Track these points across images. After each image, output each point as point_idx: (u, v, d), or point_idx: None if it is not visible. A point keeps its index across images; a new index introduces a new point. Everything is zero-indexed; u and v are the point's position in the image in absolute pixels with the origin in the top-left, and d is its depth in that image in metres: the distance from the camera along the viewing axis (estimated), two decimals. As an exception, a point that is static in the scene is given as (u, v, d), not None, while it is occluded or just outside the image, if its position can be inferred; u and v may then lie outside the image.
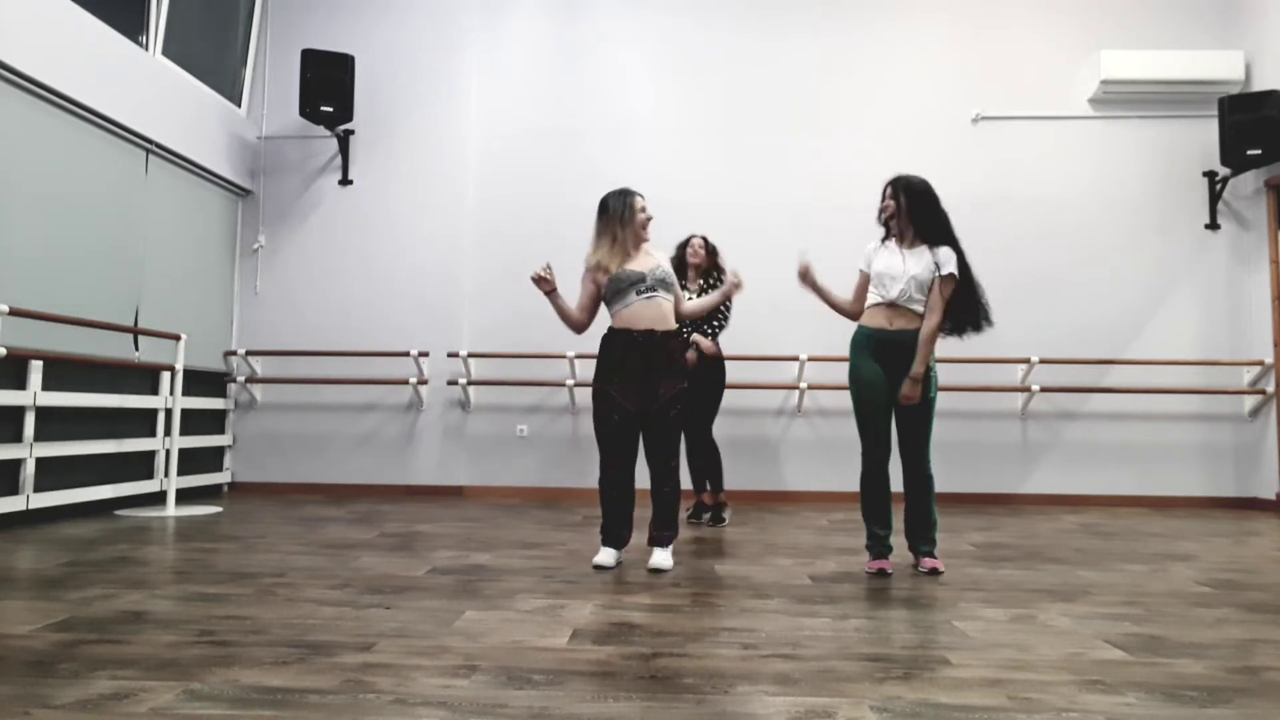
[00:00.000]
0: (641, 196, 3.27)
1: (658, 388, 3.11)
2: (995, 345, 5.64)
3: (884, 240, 3.24)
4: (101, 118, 4.68)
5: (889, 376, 3.09)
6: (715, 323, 4.38)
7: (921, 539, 3.14)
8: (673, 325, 3.20)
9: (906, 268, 3.08)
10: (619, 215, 3.19)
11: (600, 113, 6.10)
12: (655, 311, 3.14)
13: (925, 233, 3.13)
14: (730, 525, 4.41)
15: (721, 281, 4.36)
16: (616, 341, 3.15)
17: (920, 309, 3.10)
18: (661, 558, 3.11)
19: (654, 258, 3.23)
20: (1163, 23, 5.98)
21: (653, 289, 3.14)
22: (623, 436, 3.12)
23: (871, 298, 3.17)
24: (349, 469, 5.92)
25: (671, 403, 3.14)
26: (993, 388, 5.68)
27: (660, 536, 3.17)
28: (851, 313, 3.28)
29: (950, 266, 3.07)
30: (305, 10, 6.24)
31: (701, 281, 4.46)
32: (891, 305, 3.10)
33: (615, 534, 3.18)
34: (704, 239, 4.53)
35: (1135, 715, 1.63)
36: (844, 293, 3.30)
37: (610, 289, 3.16)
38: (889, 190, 3.20)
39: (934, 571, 3.06)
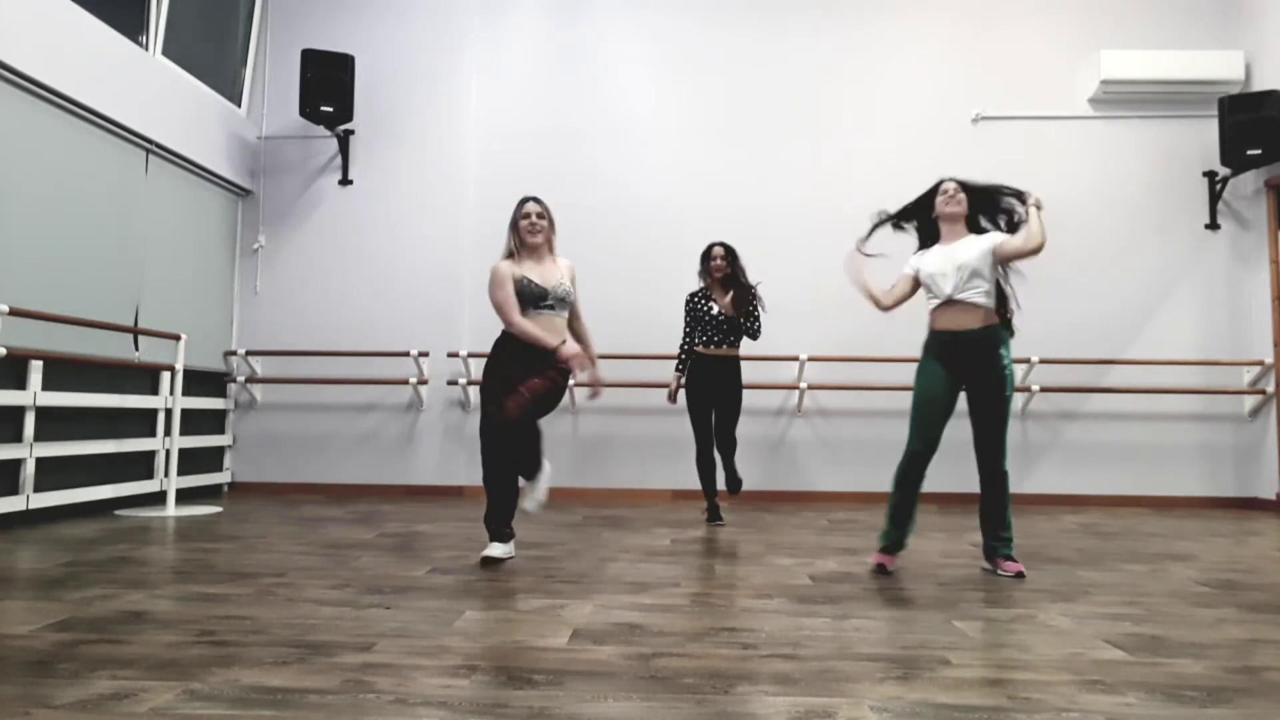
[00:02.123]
0: (537, 202, 3.30)
1: (530, 382, 3.15)
2: (995, 345, 5.64)
3: (921, 249, 3.23)
4: (101, 118, 4.68)
5: (955, 377, 3.07)
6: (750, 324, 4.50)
7: (1000, 541, 3.08)
8: (562, 339, 3.25)
9: (956, 257, 3.08)
10: (512, 220, 3.29)
11: (600, 113, 6.10)
12: (548, 326, 3.21)
13: (973, 225, 3.21)
14: (730, 525, 4.42)
15: (752, 294, 4.47)
16: (505, 347, 3.23)
17: (980, 299, 3.03)
18: (538, 498, 3.36)
19: (559, 271, 3.28)
20: (1163, 23, 5.98)
21: (551, 306, 3.22)
22: (510, 432, 3.15)
23: (931, 300, 3.14)
24: (349, 469, 5.92)
25: (539, 402, 3.17)
26: (993, 388, 5.67)
27: (534, 471, 3.35)
28: (884, 305, 3.27)
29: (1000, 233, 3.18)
30: (305, 10, 6.24)
31: (730, 295, 4.45)
32: (950, 303, 3.07)
33: (506, 521, 3.24)
34: (724, 246, 4.52)
35: (1135, 715, 1.63)
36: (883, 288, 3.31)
37: (516, 296, 3.22)
38: (955, 185, 3.17)
39: (1019, 575, 2.99)
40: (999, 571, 3.07)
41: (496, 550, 3.15)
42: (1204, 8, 5.98)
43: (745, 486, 5.53)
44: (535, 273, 3.22)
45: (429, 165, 6.10)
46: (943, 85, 6.04)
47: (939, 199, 3.17)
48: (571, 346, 3.21)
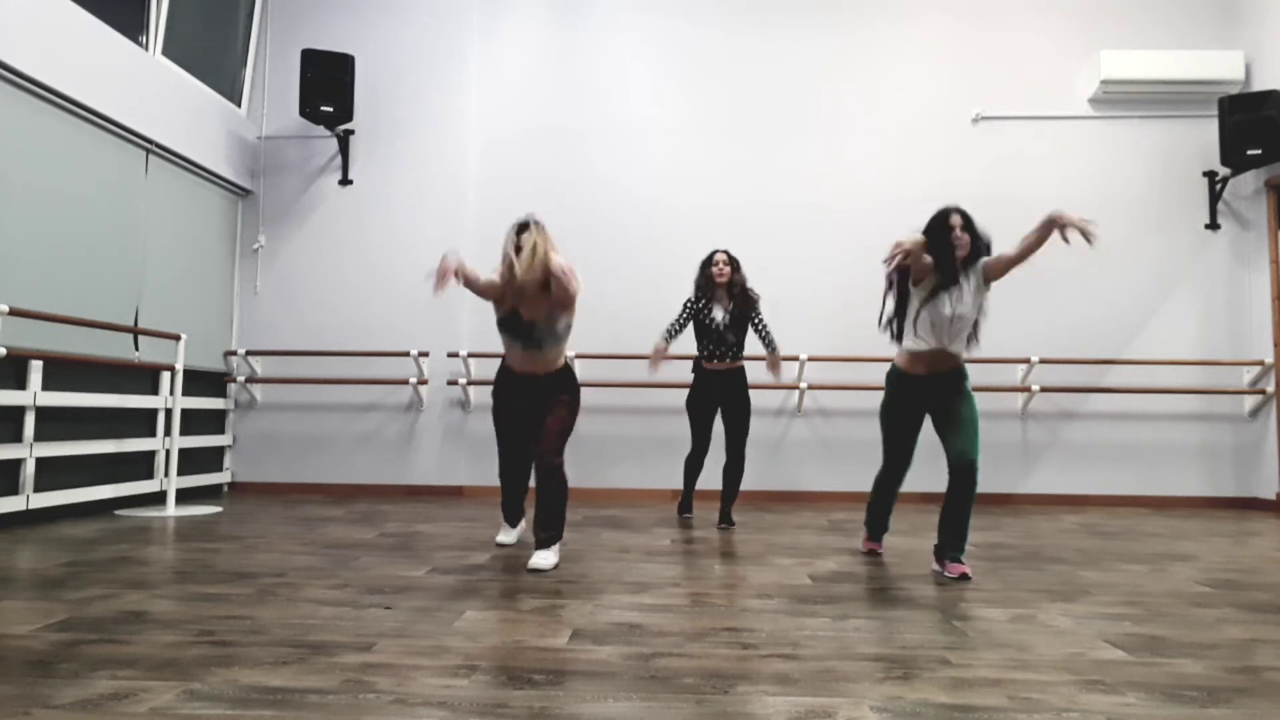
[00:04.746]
0: (527, 232, 3.04)
1: (542, 403, 3.28)
2: (995, 345, 5.65)
3: (911, 283, 3.04)
4: (101, 118, 4.68)
5: (923, 408, 3.15)
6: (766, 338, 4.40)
7: (956, 546, 3.02)
8: (556, 367, 3.31)
9: (956, 308, 2.99)
10: (504, 252, 3.10)
11: (600, 113, 6.10)
12: (537, 362, 3.27)
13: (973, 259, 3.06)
14: (729, 525, 4.41)
15: (750, 298, 4.35)
16: (505, 376, 3.41)
17: (962, 348, 3.06)
18: (543, 558, 3.05)
19: (545, 305, 3.12)
20: (1163, 23, 5.98)
21: (539, 344, 3.20)
22: (517, 434, 3.40)
23: (918, 344, 3.04)
24: (349, 469, 5.92)
25: (558, 403, 3.24)
26: (993, 388, 5.68)
27: (544, 537, 3.12)
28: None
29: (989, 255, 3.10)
30: (305, 10, 6.24)
31: (733, 304, 4.31)
32: (937, 350, 3.03)
33: (513, 514, 3.62)
34: (727, 254, 4.36)
35: (1135, 715, 1.63)
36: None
37: (500, 319, 3.22)
38: (961, 221, 2.97)
39: (964, 577, 2.95)
40: (946, 573, 2.98)
41: (505, 536, 3.59)
42: (1204, 8, 5.98)
43: (746, 486, 5.52)
44: (527, 306, 3.14)
45: (429, 165, 6.10)
46: (943, 85, 6.04)
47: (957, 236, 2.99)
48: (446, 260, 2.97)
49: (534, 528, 3.17)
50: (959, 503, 3.02)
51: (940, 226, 2.99)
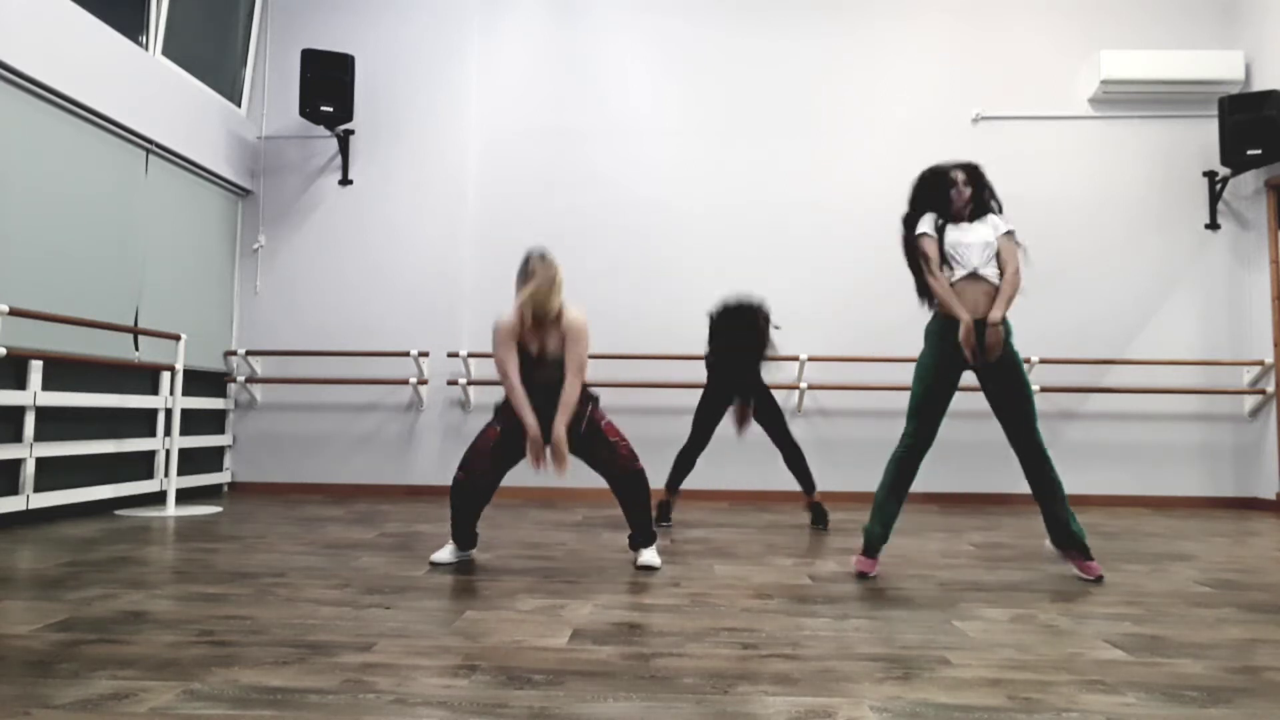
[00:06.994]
0: (542, 259, 3.08)
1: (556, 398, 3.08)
2: (995, 345, 5.65)
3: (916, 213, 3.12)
4: (101, 118, 4.68)
5: (961, 367, 2.96)
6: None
7: (1071, 538, 2.96)
8: (537, 428, 3.07)
9: (979, 232, 3.01)
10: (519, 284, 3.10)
11: (600, 113, 6.10)
12: (553, 378, 3.10)
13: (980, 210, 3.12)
14: (730, 525, 4.41)
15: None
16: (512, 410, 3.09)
17: (996, 279, 2.96)
18: (655, 556, 3.17)
19: (556, 337, 3.08)
20: (1163, 23, 5.98)
21: (552, 367, 3.10)
22: (500, 456, 3.11)
23: (950, 275, 2.98)
24: (349, 469, 5.92)
25: (584, 419, 3.12)
26: (993, 388, 5.67)
27: (645, 538, 3.20)
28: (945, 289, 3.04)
29: (1007, 223, 3.07)
30: (305, 10, 6.24)
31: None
32: (973, 278, 2.94)
33: (469, 535, 3.20)
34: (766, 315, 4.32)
35: (1135, 715, 1.63)
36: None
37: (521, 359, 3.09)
38: (963, 176, 3.07)
39: (1099, 579, 2.92)
40: (1078, 572, 2.99)
41: (447, 555, 3.19)
42: (1204, 8, 5.98)
43: (745, 485, 5.52)
44: (535, 338, 3.09)
45: (429, 165, 6.10)
46: (943, 85, 6.04)
47: (952, 192, 3.07)
48: (540, 438, 3.04)
49: (634, 530, 3.20)
50: (1045, 487, 2.95)
51: (941, 184, 3.10)
